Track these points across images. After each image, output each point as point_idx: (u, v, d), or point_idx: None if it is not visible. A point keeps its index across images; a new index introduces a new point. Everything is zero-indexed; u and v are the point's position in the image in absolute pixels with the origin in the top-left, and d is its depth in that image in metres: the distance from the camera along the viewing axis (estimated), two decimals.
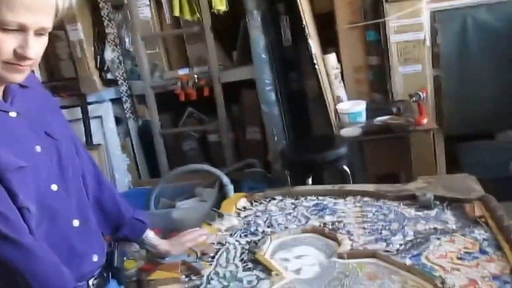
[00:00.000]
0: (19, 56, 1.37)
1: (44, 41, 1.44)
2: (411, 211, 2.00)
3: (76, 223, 1.56)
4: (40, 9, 1.36)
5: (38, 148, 1.49)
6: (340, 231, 1.92)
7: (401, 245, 1.76)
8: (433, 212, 1.97)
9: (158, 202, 3.96)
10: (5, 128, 1.45)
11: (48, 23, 1.40)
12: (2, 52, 1.35)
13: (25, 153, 1.46)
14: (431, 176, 2.31)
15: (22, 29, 1.35)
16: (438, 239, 1.76)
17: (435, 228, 1.84)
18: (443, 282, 1.48)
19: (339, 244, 1.83)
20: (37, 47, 1.40)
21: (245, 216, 2.20)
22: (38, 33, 1.39)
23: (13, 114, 1.48)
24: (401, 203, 2.09)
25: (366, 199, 2.18)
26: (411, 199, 2.08)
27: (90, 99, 4.35)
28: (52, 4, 1.39)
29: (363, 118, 3.59)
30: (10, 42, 1.35)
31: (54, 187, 1.51)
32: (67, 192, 1.55)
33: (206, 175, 3.88)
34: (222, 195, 3.68)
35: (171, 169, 4.33)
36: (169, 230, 3.38)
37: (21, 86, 1.54)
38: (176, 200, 4.01)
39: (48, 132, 1.55)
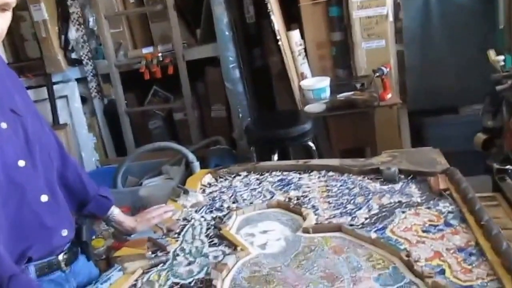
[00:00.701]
0: None
1: (7, 16, 1.43)
2: (375, 185, 2.02)
3: (44, 198, 1.54)
4: None
5: (3, 125, 1.47)
6: (305, 205, 1.94)
7: (366, 218, 1.78)
8: (397, 186, 1.99)
9: (125, 180, 3.93)
10: None
11: None
12: None
13: None
14: (395, 150, 2.33)
15: None
16: (403, 212, 1.78)
17: (399, 202, 1.86)
18: (408, 255, 1.50)
19: (304, 218, 1.84)
20: (1, 24, 1.39)
21: (210, 192, 2.21)
22: (2, 8, 1.38)
23: None
24: (366, 177, 2.11)
25: (330, 173, 2.20)
26: (376, 173, 2.10)
27: (55, 79, 4.30)
28: None
29: (327, 94, 3.60)
30: None
31: (21, 163, 1.49)
32: (34, 168, 1.54)
33: (173, 153, 3.86)
34: (188, 173, 3.66)
35: (137, 148, 4.29)
36: (136, 208, 3.38)
37: None
38: (143, 178, 3.98)
39: (14, 109, 1.52)
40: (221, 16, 3.80)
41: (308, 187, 2.10)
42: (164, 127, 4.66)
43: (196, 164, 3.45)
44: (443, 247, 1.54)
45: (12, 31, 4.19)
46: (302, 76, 3.76)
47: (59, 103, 4.31)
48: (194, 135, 4.28)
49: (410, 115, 3.97)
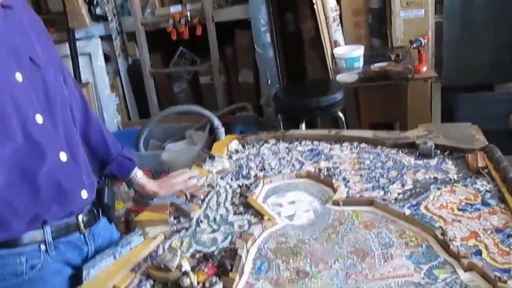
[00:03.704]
0: None
1: None
2: (410, 160, 1.94)
3: (63, 157, 1.45)
4: None
5: (19, 77, 1.36)
6: (336, 177, 1.86)
7: (399, 194, 1.70)
8: (433, 161, 1.90)
9: (147, 143, 3.89)
10: None
11: None
12: None
13: (2, 82, 1.33)
14: (432, 124, 2.24)
15: None
16: (438, 189, 1.70)
17: (435, 178, 1.78)
18: (443, 233, 1.42)
19: (334, 190, 1.77)
20: None
21: (237, 159, 2.15)
22: None
23: None
24: (400, 151, 2.02)
25: (363, 145, 2.13)
26: (411, 147, 2.02)
27: (78, 35, 4.21)
28: None
29: (360, 64, 3.51)
30: None
31: (39, 118, 1.40)
32: (54, 124, 1.44)
33: (197, 117, 3.80)
34: (212, 139, 3.63)
35: (161, 110, 4.25)
36: (158, 172, 3.35)
37: (3, 6, 1.40)
38: (166, 142, 3.94)
39: (32, 57, 1.42)
40: None
41: (339, 158, 2.02)
42: (189, 90, 4.60)
43: (221, 129, 3.40)
44: (479, 227, 1.46)
45: None
46: (335, 44, 3.65)
47: (82, 61, 4.24)
48: (220, 100, 4.21)
49: (443, 90, 3.87)
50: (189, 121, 3.97)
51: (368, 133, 2.19)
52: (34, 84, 1.40)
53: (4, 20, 1.39)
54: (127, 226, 2.70)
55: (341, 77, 3.46)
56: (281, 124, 3.40)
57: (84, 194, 1.50)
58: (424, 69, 3.41)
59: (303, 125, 3.20)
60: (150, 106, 4.36)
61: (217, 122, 3.46)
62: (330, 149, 2.12)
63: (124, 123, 4.50)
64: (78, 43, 4.19)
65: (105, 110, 4.37)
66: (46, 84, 1.44)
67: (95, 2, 4.15)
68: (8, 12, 1.41)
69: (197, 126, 3.91)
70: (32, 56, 1.42)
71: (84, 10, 4.11)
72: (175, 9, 4.08)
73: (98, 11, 4.18)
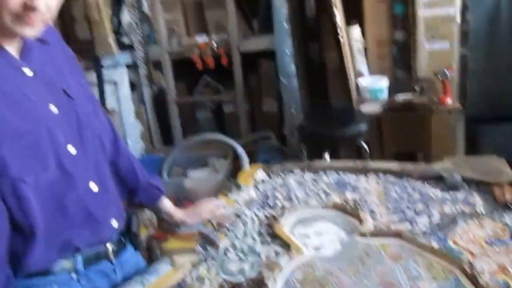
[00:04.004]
0: (27, 7, 1.30)
1: None
2: (437, 192, 1.93)
3: (93, 186, 1.49)
4: None
5: (53, 108, 1.42)
6: (363, 209, 1.86)
7: (426, 226, 1.69)
8: (460, 194, 1.89)
9: (170, 170, 3.92)
10: (18, 87, 1.38)
11: None
12: (11, 4, 1.28)
13: (38, 115, 1.39)
14: (458, 156, 2.23)
15: None
16: (466, 222, 1.68)
17: (462, 211, 1.77)
18: (471, 267, 1.42)
19: (361, 222, 1.77)
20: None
21: (263, 189, 2.15)
22: None
23: (27, 71, 1.41)
24: (426, 183, 2.02)
25: (389, 177, 2.12)
26: (437, 179, 2.01)
27: (105, 63, 4.26)
28: None
29: (384, 94, 3.52)
30: None
31: (72, 149, 1.45)
32: (85, 154, 1.49)
33: (220, 145, 3.83)
34: (234, 167, 3.65)
35: (184, 138, 4.29)
36: (180, 199, 3.36)
37: (40, 41, 1.47)
38: (189, 169, 3.96)
39: (66, 90, 1.48)
40: (281, 8, 3.72)
41: (366, 190, 2.02)
42: (213, 118, 4.63)
43: (245, 158, 3.41)
44: (508, 261, 1.45)
45: (63, 11, 4.17)
46: (359, 74, 3.67)
47: (108, 88, 4.28)
48: (243, 129, 4.23)
49: (467, 121, 3.84)
50: (212, 149, 3.99)
51: (394, 165, 2.19)
52: (67, 116, 1.46)
53: (42, 54, 1.45)
54: (150, 253, 2.72)
55: (365, 107, 3.47)
56: (305, 153, 3.40)
57: (114, 222, 1.55)
58: (449, 100, 3.40)
59: (327, 155, 3.20)
60: (174, 133, 4.40)
61: (240, 150, 3.48)
62: (356, 180, 2.11)
63: (147, 149, 4.53)
64: (104, 71, 4.24)
65: (129, 137, 4.41)
66: (78, 116, 1.49)
67: (122, 31, 4.21)
68: (46, 47, 1.47)
69: (219, 154, 3.93)
70: (66, 89, 1.48)
71: (111, 39, 4.18)
72: (201, 39, 4.12)
73: (125, 40, 4.24)
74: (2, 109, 1.32)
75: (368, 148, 3.31)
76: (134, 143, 4.45)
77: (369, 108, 3.45)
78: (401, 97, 3.46)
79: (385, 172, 2.15)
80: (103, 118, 1.69)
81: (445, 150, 3.47)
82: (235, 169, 3.62)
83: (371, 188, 2.03)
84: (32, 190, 1.35)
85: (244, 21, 4.13)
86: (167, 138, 4.56)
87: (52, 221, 1.39)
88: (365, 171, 2.18)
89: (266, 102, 4.32)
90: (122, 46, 4.26)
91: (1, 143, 1.31)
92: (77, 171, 1.45)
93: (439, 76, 3.37)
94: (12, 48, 1.40)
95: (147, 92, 4.42)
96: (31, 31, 1.35)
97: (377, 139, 3.77)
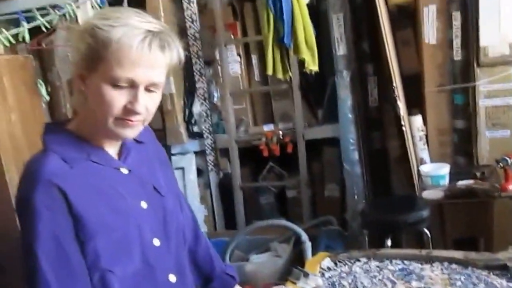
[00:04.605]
0: (129, 111, 1.40)
1: (155, 97, 1.46)
2: (502, 282, 1.96)
3: (172, 278, 1.57)
4: (149, 64, 1.39)
5: (143, 204, 1.53)
6: None
7: None
8: None
9: (232, 254, 3.97)
10: (113, 185, 1.50)
11: (158, 78, 1.42)
12: (113, 108, 1.39)
13: (130, 211, 1.50)
14: None
15: (132, 85, 1.39)
16: None
17: None
18: None
19: None
20: (147, 102, 1.42)
21: (330, 277, 2.20)
22: (149, 88, 1.42)
23: (124, 170, 1.54)
24: (491, 273, 2.04)
25: (454, 266, 2.15)
26: (502, 269, 2.04)
27: (174, 150, 4.44)
28: (161, 59, 1.41)
29: (446, 181, 3.55)
30: (120, 98, 1.39)
31: (156, 242, 1.54)
32: (168, 247, 1.58)
33: (282, 229, 3.88)
34: (296, 251, 3.67)
35: (247, 222, 4.35)
36: (241, 283, 3.40)
37: (137, 141, 1.60)
38: (250, 253, 3.99)
39: (156, 187, 1.59)
40: (345, 99, 3.86)
41: (431, 279, 2.06)
42: (275, 203, 4.68)
43: (308, 244, 3.45)
44: None
45: None
46: (421, 162, 3.72)
47: (176, 174, 4.35)
48: (305, 213, 4.28)
49: None
50: (274, 233, 4.01)
51: (458, 254, 2.23)
52: (155, 210, 1.56)
53: (137, 154, 1.58)
54: None
55: (427, 194, 3.50)
56: (367, 239, 3.43)
57: None
58: (511, 187, 3.41)
59: (389, 241, 3.22)
60: (238, 218, 4.46)
61: (304, 236, 3.52)
62: (421, 269, 2.16)
63: (210, 233, 4.59)
64: (173, 158, 4.41)
65: None
66: (165, 211, 1.59)
67: (193, 121, 4.38)
68: (141, 146, 1.61)
69: (281, 239, 3.96)
70: (156, 186, 1.59)
71: (182, 128, 4.34)
72: (268, 128, 4.26)
73: (195, 129, 4.40)
74: (99, 205, 1.44)
75: (430, 234, 3.33)
76: None
77: (431, 194, 3.48)
78: (462, 183, 3.48)
79: (450, 261, 2.19)
80: (187, 212, 1.80)
81: (508, 236, 3.45)
82: (297, 254, 3.67)
83: (436, 277, 2.07)
84: (118, 280, 1.44)
85: (309, 110, 4.25)
86: (230, 222, 4.62)
87: None
88: (429, 260, 2.23)
89: (328, 187, 4.38)
90: (192, 134, 4.42)
91: (95, 236, 1.41)
92: (159, 263, 1.53)
93: (500, 164, 3.39)
94: (112, 149, 1.53)
95: (213, 178, 4.54)
96: (132, 132, 1.46)
97: (438, 225, 3.77)
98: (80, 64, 1.44)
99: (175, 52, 1.45)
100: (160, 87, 1.47)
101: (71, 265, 1.40)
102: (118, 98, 1.39)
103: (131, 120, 1.42)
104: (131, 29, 1.37)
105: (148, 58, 1.38)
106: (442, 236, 3.71)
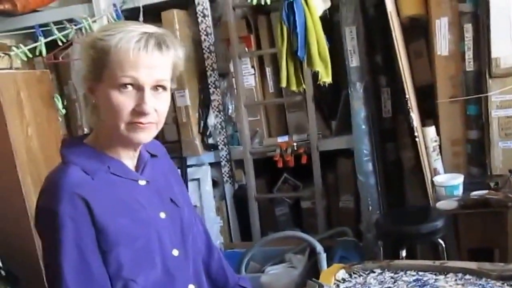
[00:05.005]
0: (138, 113, 1.46)
1: (164, 97, 1.52)
2: None
3: None
4: (149, 64, 1.45)
5: (162, 215, 1.59)
6: None
7: None
8: None
9: (247, 266, 3.99)
10: (133, 196, 1.55)
11: (160, 76, 1.48)
12: (123, 112, 1.45)
13: (150, 221, 1.55)
14: None
15: (137, 87, 1.45)
16: None
17: None
18: None
19: None
20: (155, 104, 1.48)
21: None
22: (155, 89, 1.48)
23: (142, 182, 1.59)
24: (506, 284, 2.05)
25: (467, 277, 2.16)
26: None
27: (190, 162, 4.47)
28: (160, 57, 1.48)
29: (459, 192, 3.55)
30: (128, 102, 1.45)
31: (175, 252, 1.59)
32: (186, 257, 1.63)
33: (297, 240, 3.90)
34: (311, 262, 3.69)
35: (262, 233, 4.37)
36: None
37: (152, 155, 1.66)
38: (266, 264, 4.01)
39: (173, 199, 1.65)
40: (359, 110, 3.88)
41: None
42: (290, 214, 4.69)
43: (323, 255, 3.47)
44: None
45: None
46: (434, 172, 3.73)
47: (191, 186, 4.45)
48: (320, 224, 4.30)
49: None
50: (289, 244, 4.03)
51: (472, 265, 2.24)
52: (173, 221, 1.62)
53: (153, 167, 1.63)
54: None
55: (441, 205, 3.50)
56: (381, 249, 3.44)
57: None
58: None
59: (404, 252, 3.23)
60: (253, 229, 4.48)
61: (319, 248, 3.54)
62: (436, 280, 2.17)
63: (226, 245, 4.62)
64: (189, 170, 4.45)
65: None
66: (182, 221, 1.65)
67: (208, 133, 4.40)
68: (155, 160, 1.65)
69: (296, 250, 3.97)
70: (172, 197, 1.66)
71: (197, 140, 4.38)
72: (282, 139, 4.28)
73: (210, 140, 4.42)
74: (121, 215, 1.49)
75: (444, 244, 3.34)
76: (214, 239, 4.49)
77: (445, 205, 3.48)
78: (476, 194, 3.49)
79: (464, 272, 2.20)
80: (198, 224, 1.85)
81: None
82: (312, 264, 3.68)
83: None
84: None
85: (323, 122, 4.28)
86: (245, 233, 4.64)
87: None
88: (443, 271, 2.24)
89: (343, 198, 4.39)
90: (207, 146, 4.44)
91: (118, 246, 1.46)
92: (179, 273, 1.58)
93: None
94: (129, 161, 1.59)
95: (228, 189, 4.57)
96: (145, 136, 1.51)
97: (452, 235, 3.77)
98: (87, 77, 1.51)
99: (173, 51, 1.50)
100: (167, 87, 1.52)
101: (94, 276, 1.44)
102: (125, 102, 1.45)
103: (142, 123, 1.47)
104: (127, 33, 1.44)
105: (147, 57, 1.44)
106: (457, 247, 3.71)
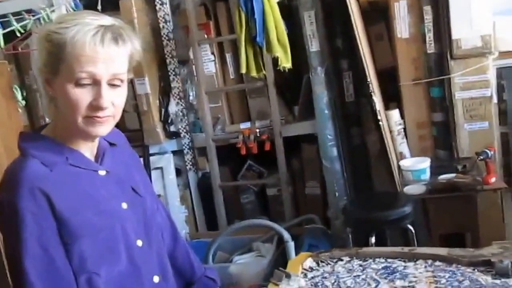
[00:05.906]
0: (95, 108, 1.43)
1: (120, 91, 1.50)
2: (487, 278, 1.93)
3: (156, 279, 1.60)
4: (105, 58, 1.42)
5: (124, 205, 1.56)
6: None
7: None
8: (511, 281, 1.88)
9: (215, 255, 3.94)
10: (93, 187, 1.52)
11: (117, 69, 1.46)
12: (80, 106, 1.43)
13: (112, 211, 1.52)
14: (507, 241, 2.23)
15: (94, 81, 1.42)
16: None
17: None
18: None
19: None
20: (112, 97, 1.46)
21: (312, 277, 2.17)
22: (112, 83, 1.46)
23: (102, 172, 1.56)
24: (476, 269, 2.01)
25: (437, 263, 2.12)
26: (487, 265, 2.01)
27: (152, 150, 4.40)
28: (116, 51, 1.45)
29: (427, 176, 3.52)
30: (85, 96, 1.43)
31: (139, 242, 1.57)
32: (150, 247, 1.60)
33: (264, 229, 3.85)
34: (280, 251, 3.65)
35: (228, 222, 4.32)
36: (226, 285, 3.36)
37: (111, 144, 1.63)
38: (233, 253, 3.97)
39: (134, 188, 1.62)
40: (321, 95, 3.84)
41: (415, 277, 2.03)
42: (256, 202, 4.65)
43: (291, 243, 3.43)
44: None
45: None
46: (401, 156, 3.70)
47: (154, 174, 4.38)
48: (287, 212, 4.25)
49: None
50: (256, 233, 3.99)
51: (442, 251, 2.20)
52: (135, 211, 1.59)
53: (112, 156, 1.61)
54: None
55: (409, 189, 3.48)
56: (350, 236, 3.40)
57: None
58: (493, 180, 3.39)
59: (373, 239, 3.19)
60: (219, 218, 4.43)
61: (287, 236, 3.50)
62: (405, 267, 2.13)
63: (192, 235, 4.56)
64: (151, 158, 4.37)
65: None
66: (145, 211, 1.63)
67: (169, 121, 4.33)
68: (115, 149, 1.64)
69: (264, 238, 3.93)
70: (134, 187, 1.63)
71: (159, 128, 4.30)
72: (244, 125, 4.23)
73: (172, 128, 4.36)
74: (82, 207, 1.47)
75: (414, 230, 3.31)
76: (180, 228, 4.44)
77: (413, 189, 3.46)
78: (444, 177, 3.46)
79: (434, 258, 2.16)
80: (163, 213, 1.81)
81: (494, 229, 3.42)
82: (280, 253, 3.64)
83: (420, 275, 2.04)
84: (104, 282, 1.46)
85: (285, 107, 4.24)
86: (211, 222, 4.59)
87: None
88: (413, 257, 2.19)
89: (309, 184, 4.36)
90: (169, 134, 4.38)
91: (81, 238, 1.44)
92: (144, 264, 1.56)
93: (481, 156, 3.38)
94: (88, 152, 1.56)
95: (192, 177, 4.51)
96: (103, 130, 1.49)
97: (422, 221, 3.75)
98: (44, 70, 1.48)
99: (130, 43, 1.48)
100: (124, 80, 1.50)
101: (58, 270, 1.42)
102: (83, 97, 1.43)
103: (99, 117, 1.45)
104: (83, 26, 1.41)
105: (103, 51, 1.42)
106: (428, 232, 3.70)
